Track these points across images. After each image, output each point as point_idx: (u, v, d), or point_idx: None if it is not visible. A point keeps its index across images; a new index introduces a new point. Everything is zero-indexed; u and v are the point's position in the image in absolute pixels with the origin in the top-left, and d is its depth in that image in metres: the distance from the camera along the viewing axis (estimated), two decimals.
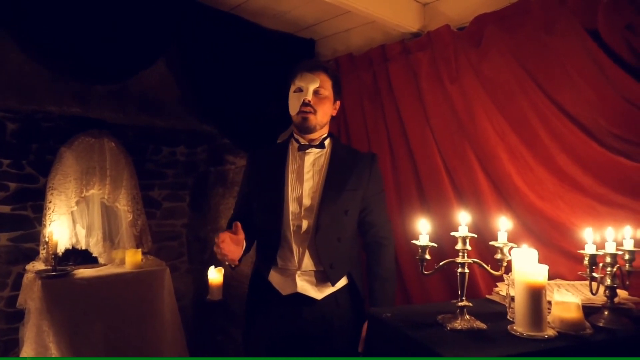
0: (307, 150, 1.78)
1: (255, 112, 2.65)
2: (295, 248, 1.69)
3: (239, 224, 1.58)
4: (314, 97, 1.75)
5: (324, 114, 1.79)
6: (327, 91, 1.79)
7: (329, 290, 1.70)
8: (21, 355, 2.35)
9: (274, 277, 1.72)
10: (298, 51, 2.86)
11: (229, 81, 2.55)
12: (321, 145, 1.81)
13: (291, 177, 1.74)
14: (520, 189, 2.03)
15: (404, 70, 2.49)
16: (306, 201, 1.70)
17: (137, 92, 2.60)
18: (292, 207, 1.69)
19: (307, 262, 1.68)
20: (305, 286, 1.67)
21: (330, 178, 1.73)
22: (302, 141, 1.80)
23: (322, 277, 1.69)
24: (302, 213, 1.69)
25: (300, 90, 1.73)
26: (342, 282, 1.75)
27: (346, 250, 1.75)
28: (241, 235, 1.57)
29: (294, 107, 1.76)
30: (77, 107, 2.53)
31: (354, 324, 1.76)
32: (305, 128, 1.76)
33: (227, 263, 1.60)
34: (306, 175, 1.74)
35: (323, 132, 1.85)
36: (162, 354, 2.71)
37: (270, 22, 2.68)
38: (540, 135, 1.98)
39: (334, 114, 1.91)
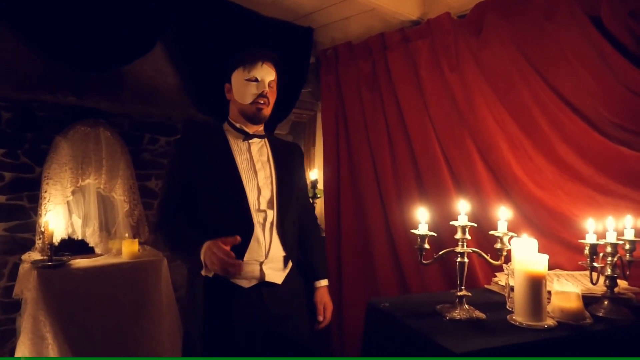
0: (250, 140, 1.77)
1: None
2: (262, 239, 1.67)
3: (239, 238, 1.53)
4: (268, 89, 1.74)
5: (272, 106, 1.80)
6: (275, 83, 1.80)
7: (285, 272, 1.73)
8: (18, 345, 2.34)
9: None
10: (296, 39, 2.82)
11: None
12: (263, 135, 1.82)
13: (242, 168, 1.71)
14: (520, 178, 2.02)
15: (403, 59, 2.46)
16: (265, 191, 1.71)
17: (132, 81, 2.56)
18: (252, 198, 1.68)
19: (274, 250, 1.69)
20: (271, 274, 1.69)
21: (278, 167, 1.78)
22: (249, 131, 1.76)
23: (285, 261, 1.73)
24: (263, 204, 1.70)
25: (255, 80, 1.71)
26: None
27: (296, 232, 1.82)
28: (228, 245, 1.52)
29: (247, 96, 1.71)
30: (72, 95, 2.49)
31: (305, 297, 1.84)
32: (258, 119, 1.75)
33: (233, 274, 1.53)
34: (257, 165, 1.74)
35: None
36: (160, 344, 2.70)
37: (269, 10, 2.64)
38: (541, 125, 1.96)
39: None
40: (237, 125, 1.76)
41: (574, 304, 1.40)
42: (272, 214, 1.70)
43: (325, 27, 2.83)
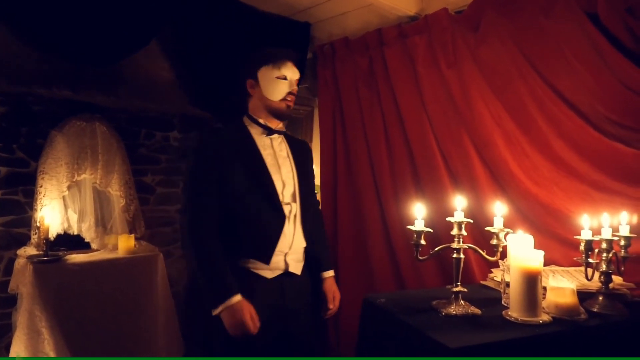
0: (272, 136, 1.82)
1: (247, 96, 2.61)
2: (288, 231, 1.74)
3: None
4: (296, 87, 1.82)
5: None
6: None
7: (302, 263, 1.82)
8: (14, 340, 2.34)
9: (259, 264, 1.71)
10: (293, 35, 2.81)
11: (223, 65, 2.50)
12: (284, 132, 1.87)
13: (268, 162, 1.76)
14: (516, 175, 2.02)
15: (400, 55, 2.46)
16: (288, 185, 1.77)
17: (129, 75, 2.55)
18: (280, 192, 1.74)
19: (297, 242, 1.76)
20: (293, 265, 1.76)
21: (297, 162, 1.85)
22: (272, 126, 1.81)
23: (304, 252, 1.82)
24: (288, 197, 1.77)
25: (285, 78, 1.77)
26: None
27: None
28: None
29: (277, 93, 1.76)
30: (68, 90, 2.47)
31: (312, 287, 1.91)
32: (286, 115, 1.81)
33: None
34: (279, 160, 1.79)
35: None
36: (156, 340, 2.70)
37: (266, 5, 2.63)
38: (537, 121, 1.97)
39: None
40: (261, 120, 1.79)
41: (569, 299, 1.41)
42: (295, 207, 1.77)
43: (323, 22, 2.82)
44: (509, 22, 2.02)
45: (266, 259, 1.69)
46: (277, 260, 1.71)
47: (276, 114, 1.78)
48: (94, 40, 2.05)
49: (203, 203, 1.68)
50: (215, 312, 1.59)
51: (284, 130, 1.87)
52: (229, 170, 1.68)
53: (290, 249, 1.74)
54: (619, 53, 1.69)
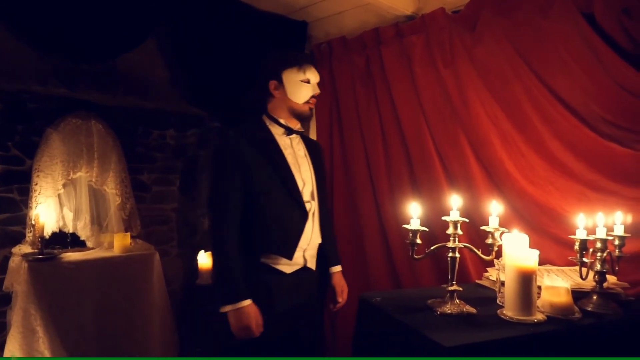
0: (291, 136, 1.87)
1: (246, 95, 2.60)
2: (309, 228, 1.81)
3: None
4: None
5: None
6: None
7: (315, 258, 1.89)
8: (8, 339, 2.33)
9: (279, 259, 1.76)
10: (290, 33, 2.81)
11: (220, 63, 2.50)
12: (302, 132, 1.93)
13: (289, 161, 1.82)
14: (512, 174, 2.03)
15: (397, 54, 2.46)
16: (307, 184, 1.84)
17: (125, 73, 2.54)
18: (302, 190, 1.81)
19: (314, 238, 1.84)
20: (310, 260, 1.84)
21: (313, 162, 1.92)
22: (293, 127, 1.86)
23: (318, 248, 1.89)
24: (307, 195, 1.83)
25: (308, 82, 1.83)
26: None
27: None
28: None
29: (301, 95, 1.82)
30: (63, 87, 2.47)
31: (322, 283, 1.99)
32: (307, 117, 1.88)
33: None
34: (299, 160, 1.85)
35: None
36: (151, 338, 2.70)
37: (263, 3, 2.62)
38: (533, 121, 1.97)
39: None
40: (282, 120, 1.85)
41: (564, 298, 1.42)
42: (314, 205, 1.86)
43: (320, 21, 2.82)
44: (505, 21, 2.02)
45: (289, 254, 1.76)
46: (297, 255, 1.78)
47: (299, 115, 1.85)
48: (89, 38, 2.04)
49: (227, 202, 1.72)
50: (223, 310, 1.64)
51: (302, 130, 1.93)
52: (254, 169, 1.73)
53: (309, 245, 1.82)
54: (614, 54, 1.70)
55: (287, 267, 1.77)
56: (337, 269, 2.02)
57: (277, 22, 2.73)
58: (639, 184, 1.72)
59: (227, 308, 1.63)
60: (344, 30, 2.78)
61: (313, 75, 1.84)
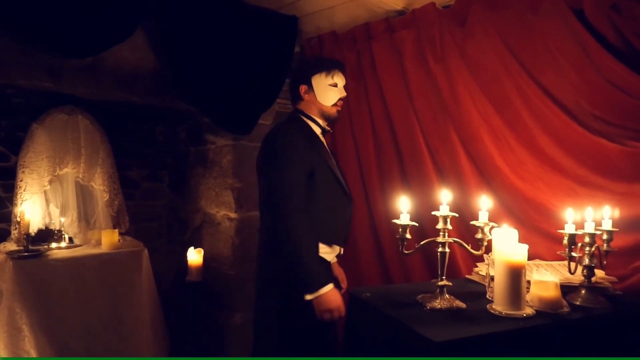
0: (324, 135, 2.03)
1: (236, 91, 2.57)
2: (347, 220, 1.98)
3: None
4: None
5: None
6: None
7: None
8: None
9: (326, 248, 1.88)
10: (281, 28, 2.78)
11: (210, 58, 2.46)
12: (329, 131, 2.06)
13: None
14: (502, 170, 2.03)
15: (388, 49, 2.45)
16: (342, 179, 1.98)
17: (112, 67, 2.49)
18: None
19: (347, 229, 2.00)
20: (342, 249, 1.99)
21: (337, 159, 2.08)
22: (325, 127, 2.00)
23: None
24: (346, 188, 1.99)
25: (336, 85, 1.97)
26: None
27: None
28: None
29: (330, 99, 1.96)
30: (49, 82, 2.41)
31: None
32: (334, 119, 2.01)
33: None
34: (332, 157, 2.01)
35: None
36: (141, 336, 2.67)
37: None
38: (523, 117, 1.98)
39: None
40: (317, 119, 1.99)
41: (552, 293, 1.42)
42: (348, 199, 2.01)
43: (311, 15, 2.80)
44: (495, 17, 2.02)
45: (343, 243, 1.95)
46: (336, 247, 1.93)
47: (328, 117, 1.99)
48: (75, 31, 2.00)
49: (300, 193, 1.78)
50: (310, 297, 1.68)
51: (330, 129, 2.05)
52: (315, 164, 1.84)
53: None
54: (604, 50, 1.71)
55: (331, 255, 1.91)
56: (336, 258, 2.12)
57: (268, 16, 2.70)
58: (627, 179, 1.73)
59: (317, 293, 1.67)
60: (335, 24, 2.76)
61: (340, 80, 1.98)
